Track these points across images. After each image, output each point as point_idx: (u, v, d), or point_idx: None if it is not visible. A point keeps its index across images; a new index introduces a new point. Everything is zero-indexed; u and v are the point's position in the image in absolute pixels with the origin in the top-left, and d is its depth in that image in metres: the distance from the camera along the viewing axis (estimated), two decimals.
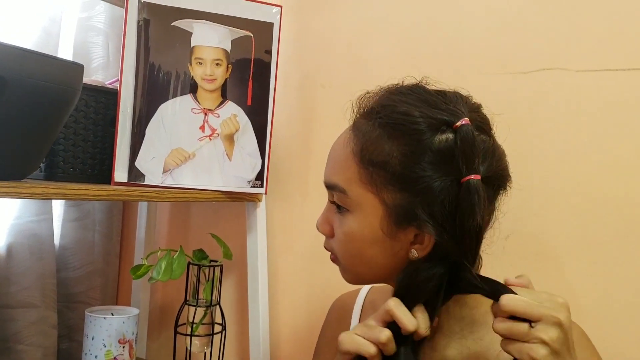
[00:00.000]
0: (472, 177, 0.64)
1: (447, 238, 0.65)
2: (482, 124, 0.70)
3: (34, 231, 1.24)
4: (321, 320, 1.14)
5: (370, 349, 0.64)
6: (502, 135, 1.01)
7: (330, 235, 0.76)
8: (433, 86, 0.73)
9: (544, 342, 0.58)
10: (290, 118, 1.24)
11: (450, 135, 0.66)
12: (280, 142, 1.23)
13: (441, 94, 0.70)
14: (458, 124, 0.65)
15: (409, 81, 0.73)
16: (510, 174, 0.74)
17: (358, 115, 0.73)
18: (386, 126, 0.68)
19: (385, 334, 0.64)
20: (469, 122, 0.66)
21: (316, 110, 1.22)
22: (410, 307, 0.65)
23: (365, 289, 0.94)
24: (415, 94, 0.70)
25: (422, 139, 0.66)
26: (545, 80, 0.99)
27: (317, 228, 0.77)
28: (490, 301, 0.75)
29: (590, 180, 0.95)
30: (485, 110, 0.74)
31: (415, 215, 0.66)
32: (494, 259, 1.01)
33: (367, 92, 0.74)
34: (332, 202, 0.75)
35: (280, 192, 1.24)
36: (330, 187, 0.74)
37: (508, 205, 1.00)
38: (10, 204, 1.22)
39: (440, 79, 1.07)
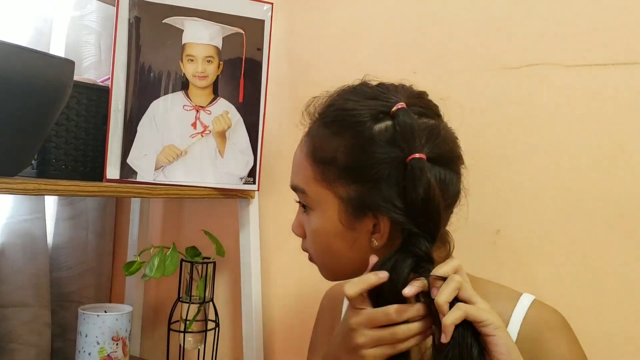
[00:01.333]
0: (416, 155, 0.66)
1: (400, 220, 0.67)
2: (423, 109, 0.72)
3: (27, 230, 1.24)
4: (314, 315, 1.14)
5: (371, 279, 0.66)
6: (492, 130, 1.02)
7: (303, 236, 0.80)
8: (376, 81, 0.76)
9: None
10: (281, 115, 1.25)
11: (389, 122, 0.69)
12: (272, 139, 1.23)
13: (381, 86, 0.74)
14: (394, 109, 0.69)
15: (353, 82, 0.78)
16: (462, 156, 0.75)
17: (309, 120, 0.78)
18: (331, 124, 0.73)
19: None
20: (405, 106, 0.69)
21: None
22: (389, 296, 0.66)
23: None
24: (357, 90, 0.75)
25: (363, 130, 0.69)
26: (535, 76, 1.00)
27: (293, 231, 0.82)
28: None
29: (581, 175, 0.96)
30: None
31: (368, 205, 0.69)
32: (485, 254, 1.02)
33: (315, 97, 0.78)
34: (298, 203, 0.79)
35: (272, 189, 1.24)
36: (294, 189, 0.79)
37: (498, 200, 1.01)
38: (2, 203, 1.22)
39: (430, 76, 1.09)
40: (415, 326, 0.66)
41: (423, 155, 0.67)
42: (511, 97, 1.01)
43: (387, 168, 0.68)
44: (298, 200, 0.79)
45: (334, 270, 0.79)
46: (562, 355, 0.72)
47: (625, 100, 0.93)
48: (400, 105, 0.69)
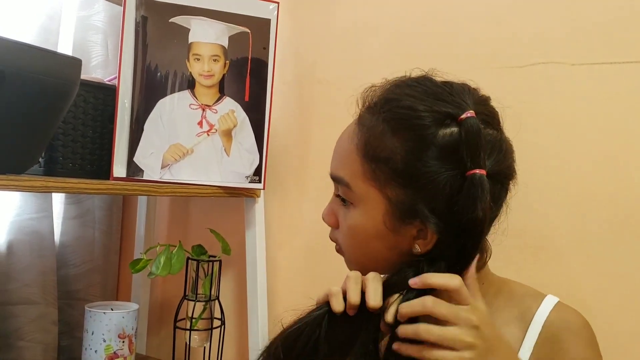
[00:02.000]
0: (477, 171, 0.63)
1: (448, 233, 0.65)
2: (489, 118, 0.69)
3: (35, 228, 1.24)
4: None
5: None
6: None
7: (335, 226, 0.76)
8: (440, 77, 0.72)
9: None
10: (287, 114, 1.25)
11: (455, 129, 0.65)
12: (277, 138, 1.24)
13: (447, 85, 0.69)
14: (463, 116, 0.64)
15: (416, 73, 0.72)
16: (515, 171, 0.72)
17: (363, 109, 0.73)
18: (390, 121, 0.67)
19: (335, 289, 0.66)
20: (474, 115, 0.64)
21: (313, 106, 1.23)
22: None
23: None
24: (420, 86, 0.69)
25: (426, 134, 0.65)
26: (540, 74, 1.00)
27: (323, 219, 0.77)
28: (494, 291, 0.75)
29: (586, 174, 0.96)
30: (495, 104, 0.73)
31: (418, 211, 0.66)
32: (492, 253, 1.02)
33: (372, 86, 0.73)
34: (337, 195, 0.75)
35: (278, 188, 1.25)
36: (335, 180, 0.74)
37: (510, 201, 1.01)
38: (10, 201, 1.23)
39: (436, 75, 1.08)
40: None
41: (484, 172, 0.63)
42: (516, 96, 1.01)
43: (444, 178, 0.64)
44: (338, 193, 0.74)
45: (363, 267, 0.73)
46: (580, 358, 0.71)
47: (631, 98, 0.93)
48: (470, 113, 0.64)
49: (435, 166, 0.65)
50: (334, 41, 1.21)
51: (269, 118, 1.14)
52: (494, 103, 0.91)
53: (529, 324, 0.73)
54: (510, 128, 1.00)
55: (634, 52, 0.93)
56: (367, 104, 0.72)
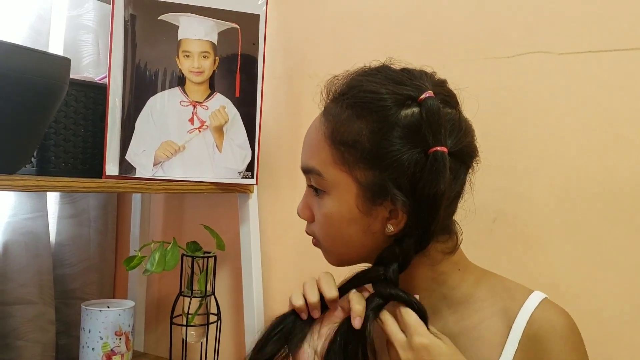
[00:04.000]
0: (439, 148, 0.66)
1: (414, 210, 0.68)
2: (447, 98, 0.72)
3: (30, 228, 1.25)
4: None
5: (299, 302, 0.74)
6: (486, 119, 1.02)
7: (310, 219, 0.78)
8: (398, 65, 0.75)
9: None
10: (278, 109, 1.26)
11: (416, 109, 0.68)
12: (269, 133, 1.24)
13: (406, 71, 0.73)
14: (422, 97, 0.68)
15: (374, 64, 0.76)
16: (478, 152, 0.75)
17: (327, 99, 0.76)
18: (354, 106, 0.70)
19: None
20: (433, 95, 0.68)
21: (304, 101, 1.24)
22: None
23: None
24: (380, 73, 0.72)
25: (389, 115, 0.68)
26: (528, 64, 1.00)
27: (298, 214, 0.79)
28: (472, 280, 0.77)
29: (575, 162, 0.97)
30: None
31: (387, 191, 0.68)
32: (482, 242, 1.03)
33: (335, 77, 0.76)
34: (309, 186, 0.77)
35: (271, 183, 1.25)
36: (306, 171, 0.76)
37: (494, 189, 1.02)
38: (4, 202, 1.23)
39: (424, 67, 1.09)
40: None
41: (445, 149, 0.66)
42: (504, 86, 1.02)
43: (408, 156, 0.67)
44: (310, 184, 0.76)
45: (341, 256, 0.77)
46: (562, 358, 0.71)
47: (618, 86, 0.94)
48: (429, 93, 0.68)
49: (399, 145, 0.67)
50: (323, 35, 1.22)
51: (260, 113, 1.15)
52: (487, 94, 0.92)
53: (513, 321, 0.73)
54: (499, 118, 1.02)
55: (620, 40, 0.93)
56: (330, 94, 0.75)
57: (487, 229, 1.03)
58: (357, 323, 0.69)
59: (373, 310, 0.70)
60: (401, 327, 0.69)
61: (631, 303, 0.93)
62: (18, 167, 0.87)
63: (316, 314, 0.74)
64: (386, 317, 0.70)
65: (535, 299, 0.74)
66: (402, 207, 0.68)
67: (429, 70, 0.75)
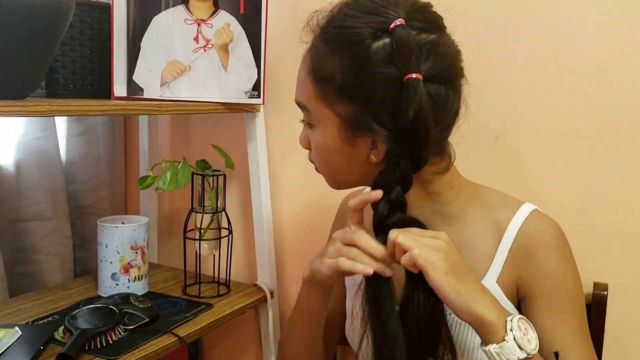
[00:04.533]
0: (413, 75, 0.66)
1: (395, 139, 0.69)
2: (423, 24, 0.70)
3: (41, 147, 1.27)
4: (320, 219, 1.20)
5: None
6: (490, 35, 1.02)
7: (309, 148, 0.82)
8: None
9: None
10: (283, 27, 1.24)
11: (387, 40, 0.68)
12: (275, 52, 1.23)
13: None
14: (392, 26, 0.67)
15: None
16: (462, 72, 0.74)
17: (312, 35, 0.77)
18: (329, 42, 0.72)
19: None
20: (404, 23, 0.67)
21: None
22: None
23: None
24: (356, 4, 0.72)
25: (361, 49, 0.68)
26: None
27: (300, 143, 0.83)
28: (465, 196, 0.80)
29: (577, 79, 0.98)
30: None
31: (366, 123, 0.70)
32: (484, 159, 1.06)
33: (316, 11, 0.76)
34: (302, 120, 0.81)
35: (277, 102, 1.26)
36: (298, 105, 0.79)
37: (497, 107, 1.03)
38: (15, 122, 1.25)
39: None
40: (366, 256, 0.71)
41: (419, 75, 0.66)
42: (511, 2, 1.01)
43: (383, 88, 0.68)
44: (302, 118, 0.80)
45: (337, 180, 0.82)
46: (552, 268, 0.76)
47: (626, 5, 0.93)
48: (399, 21, 0.67)
49: (373, 79, 0.68)
50: None
51: (265, 31, 1.13)
52: (493, 9, 0.89)
53: (504, 232, 0.77)
54: (504, 34, 1.01)
55: None
56: (312, 28, 0.76)
57: (489, 146, 1.06)
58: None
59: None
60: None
61: (624, 217, 0.97)
62: (29, 93, 0.88)
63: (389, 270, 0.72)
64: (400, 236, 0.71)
65: (525, 210, 0.78)
66: (382, 138, 0.70)
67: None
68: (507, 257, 0.77)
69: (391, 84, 0.68)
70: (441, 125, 0.72)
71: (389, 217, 0.72)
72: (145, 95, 1.09)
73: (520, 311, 0.78)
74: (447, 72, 0.71)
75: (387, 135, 0.69)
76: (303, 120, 0.80)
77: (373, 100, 0.69)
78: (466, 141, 0.81)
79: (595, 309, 0.96)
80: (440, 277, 0.65)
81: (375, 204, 0.73)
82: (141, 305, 1.07)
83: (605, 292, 0.96)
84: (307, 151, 0.84)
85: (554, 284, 0.76)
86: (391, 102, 0.68)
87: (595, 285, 0.97)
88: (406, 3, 0.71)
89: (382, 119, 0.69)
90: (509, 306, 0.77)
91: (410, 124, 0.67)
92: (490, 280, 0.77)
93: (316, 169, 0.83)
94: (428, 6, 0.74)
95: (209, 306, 1.17)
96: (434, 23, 0.73)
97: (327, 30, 0.73)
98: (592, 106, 0.97)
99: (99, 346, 0.95)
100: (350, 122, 0.72)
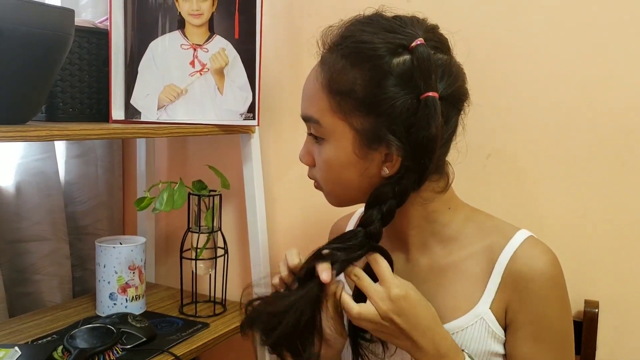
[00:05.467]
0: (430, 94, 0.69)
1: (409, 153, 0.71)
2: (438, 44, 0.74)
3: (40, 169, 1.29)
4: (316, 239, 1.21)
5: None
6: (481, 54, 1.04)
7: (312, 164, 0.82)
8: (391, 13, 0.77)
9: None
10: (278, 49, 1.27)
11: (407, 57, 0.71)
12: (269, 74, 1.26)
13: (398, 19, 0.75)
14: (413, 44, 0.70)
15: (369, 12, 0.77)
16: (469, 94, 0.77)
17: (324, 49, 0.78)
18: (349, 56, 0.73)
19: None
20: (424, 42, 0.70)
21: (304, 40, 1.24)
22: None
23: (360, 211, 1.00)
24: (373, 22, 0.74)
25: (382, 64, 0.71)
26: (527, 1, 1.01)
27: (300, 159, 0.83)
28: (462, 218, 0.82)
29: (566, 101, 1.00)
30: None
31: (382, 136, 0.72)
32: (476, 177, 1.07)
33: (330, 27, 0.78)
34: (309, 134, 0.80)
35: (272, 122, 1.28)
36: (306, 119, 0.79)
37: (489, 126, 1.05)
38: (15, 145, 1.27)
39: (424, 4, 1.10)
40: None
41: (436, 94, 0.69)
42: (502, 22, 1.03)
43: (402, 103, 0.70)
44: (310, 132, 0.80)
45: (341, 198, 0.82)
46: (540, 298, 0.75)
47: (618, 24, 0.95)
48: (420, 40, 0.70)
49: (392, 93, 0.70)
50: None
51: (259, 54, 1.16)
52: (483, 27, 0.91)
53: (497, 259, 0.77)
54: (493, 54, 1.04)
55: None
56: (326, 44, 0.78)
57: (481, 165, 1.08)
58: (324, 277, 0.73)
59: (341, 264, 0.74)
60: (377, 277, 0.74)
61: (616, 234, 0.99)
62: (29, 117, 0.90)
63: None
64: (359, 272, 0.75)
65: (519, 237, 0.78)
66: (396, 150, 0.72)
67: (420, 16, 0.77)
68: (499, 283, 0.77)
69: (409, 99, 0.70)
70: (442, 142, 0.73)
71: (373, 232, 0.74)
72: (143, 118, 1.11)
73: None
74: (457, 92, 0.74)
75: (401, 147, 0.71)
76: (310, 134, 0.80)
77: (391, 114, 0.70)
78: (458, 160, 0.82)
79: (587, 326, 0.97)
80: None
81: (366, 211, 0.75)
82: (139, 325, 1.08)
83: (597, 310, 0.97)
84: (304, 170, 0.84)
85: (539, 313, 0.76)
86: (407, 117, 0.70)
87: (587, 302, 0.98)
88: (420, 23, 0.74)
89: (397, 131, 0.71)
90: (501, 332, 0.78)
91: (428, 140, 0.69)
92: (484, 307, 0.78)
93: (316, 186, 0.84)
94: (437, 28, 0.77)
95: (205, 325, 1.18)
96: (445, 44, 0.76)
97: (344, 45, 0.74)
98: (583, 125, 0.99)
99: None
100: (366, 134, 0.73)
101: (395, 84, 0.70)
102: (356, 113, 0.73)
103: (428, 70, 0.69)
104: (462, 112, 0.77)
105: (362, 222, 0.75)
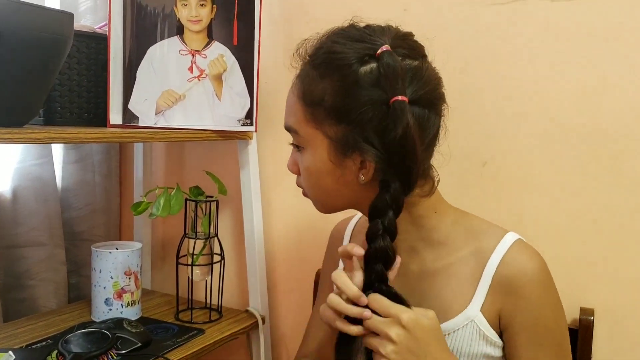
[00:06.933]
0: (399, 98, 0.70)
1: (384, 158, 0.72)
2: (407, 51, 0.74)
3: (37, 174, 1.29)
4: (312, 245, 1.22)
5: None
6: (477, 65, 1.06)
7: (298, 173, 0.84)
8: (365, 22, 0.78)
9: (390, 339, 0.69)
10: (276, 56, 1.27)
11: (374, 64, 0.72)
12: (267, 80, 1.26)
13: (368, 28, 0.76)
14: (379, 52, 0.71)
15: (344, 24, 0.79)
16: (444, 96, 0.78)
17: (300, 62, 0.80)
18: (319, 67, 0.75)
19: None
20: (389, 49, 0.71)
21: None
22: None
23: (358, 215, 1.00)
24: (343, 32, 0.76)
25: (349, 73, 0.72)
26: (521, 11, 1.02)
27: (288, 168, 0.86)
28: (450, 222, 0.82)
29: (563, 107, 1.01)
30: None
31: (354, 143, 0.73)
32: (472, 186, 1.08)
33: (306, 39, 0.80)
34: (292, 144, 0.83)
35: (270, 129, 1.29)
36: (288, 130, 0.82)
37: (485, 134, 1.06)
38: (12, 149, 1.27)
39: (420, 13, 1.11)
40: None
41: (405, 98, 0.70)
42: (498, 32, 1.04)
43: (371, 109, 0.71)
44: (292, 142, 0.83)
45: (325, 204, 0.84)
46: (534, 302, 0.76)
47: (610, 33, 0.96)
48: (385, 47, 0.71)
49: (361, 101, 0.72)
50: None
51: (257, 60, 1.17)
52: (481, 39, 0.92)
53: (487, 261, 0.78)
54: (491, 64, 1.05)
55: None
56: (302, 56, 0.80)
57: (477, 173, 1.08)
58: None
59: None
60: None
61: (611, 242, 0.99)
62: (27, 120, 0.90)
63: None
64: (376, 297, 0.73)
65: (508, 239, 0.79)
66: (370, 157, 0.73)
67: (393, 24, 0.78)
68: (490, 286, 0.78)
69: (378, 105, 0.71)
70: (423, 146, 0.74)
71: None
72: (140, 123, 1.11)
73: (503, 340, 0.79)
74: (429, 95, 0.74)
75: (375, 153, 0.72)
76: (292, 144, 0.83)
77: (361, 120, 0.72)
78: (454, 168, 0.83)
79: (582, 334, 0.97)
80: None
81: (368, 233, 0.74)
82: (134, 330, 1.08)
83: (592, 317, 0.97)
84: (296, 176, 0.86)
85: (535, 317, 0.77)
86: (378, 123, 0.71)
87: (582, 310, 0.98)
88: (390, 32, 0.76)
89: (369, 138, 0.72)
90: (493, 334, 0.78)
91: (398, 142, 0.70)
92: (475, 309, 0.78)
93: (304, 193, 0.85)
94: (410, 35, 0.78)
95: (201, 332, 1.17)
96: (417, 51, 0.77)
97: (316, 56, 0.76)
98: (577, 134, 0.99)
99: None
100: (340, 142, 0.74)
101: (364, 91, 0.71)
102: (328, 122, 0.75)
103: (395, 76, 0.70)
104: (441, 115, 0.78)
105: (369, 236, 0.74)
